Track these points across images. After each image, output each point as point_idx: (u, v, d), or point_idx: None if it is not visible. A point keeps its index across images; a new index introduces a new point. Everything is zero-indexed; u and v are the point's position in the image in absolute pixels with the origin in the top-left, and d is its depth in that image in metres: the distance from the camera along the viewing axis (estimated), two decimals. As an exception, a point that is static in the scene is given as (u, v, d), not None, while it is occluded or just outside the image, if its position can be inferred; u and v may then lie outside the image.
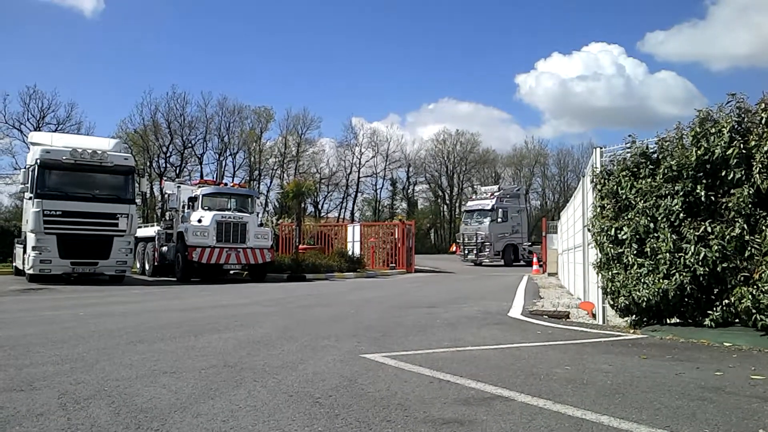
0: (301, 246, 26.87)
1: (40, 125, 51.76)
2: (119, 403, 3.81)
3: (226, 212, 20.45)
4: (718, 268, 6.53)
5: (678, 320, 7.43)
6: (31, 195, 17.10)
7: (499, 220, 35.01)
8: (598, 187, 8.26)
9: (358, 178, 72.79)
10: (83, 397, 3.93)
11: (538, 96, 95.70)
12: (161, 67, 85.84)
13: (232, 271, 21.85)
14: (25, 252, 17.66)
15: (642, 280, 7.21)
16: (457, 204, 78.04)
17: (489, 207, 34.92)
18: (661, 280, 6.97)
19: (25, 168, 18.47)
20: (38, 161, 16.89)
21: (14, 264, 21.54)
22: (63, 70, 79.92)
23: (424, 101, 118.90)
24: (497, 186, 41.63)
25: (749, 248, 6.33)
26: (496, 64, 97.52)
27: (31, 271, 17.01)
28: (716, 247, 6.49)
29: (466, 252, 35.32)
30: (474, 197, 38.61)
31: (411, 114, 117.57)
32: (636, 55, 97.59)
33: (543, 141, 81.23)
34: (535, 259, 28.17)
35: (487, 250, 34.14)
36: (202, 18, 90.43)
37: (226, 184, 25.77)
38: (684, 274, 6.78)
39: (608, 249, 7.79)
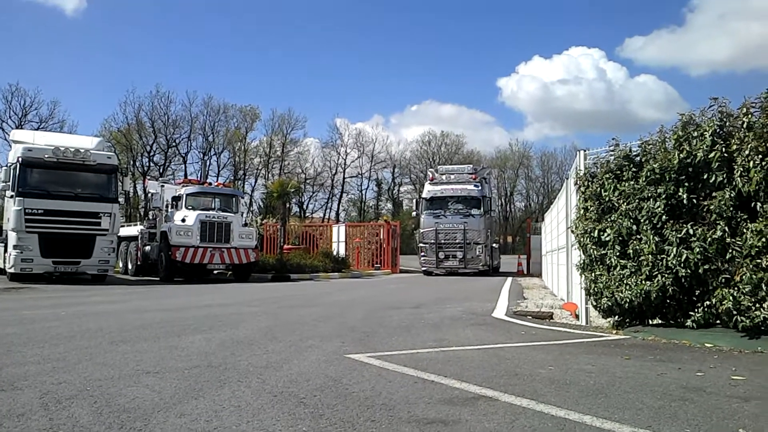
0: (285, 246, 26.84)
1: (22, 123, 51.35)
2: (102, 403, 3.78)
3: (210, 212, 20.39)
4: (700, 270, 6.60)
5: (660, 321, 7.50)
6: (13, 193, 16.92)
7: (493, 212, 27.34)
8: (582, 189, 8.31)
9: (344, 178, 72.89)
10: (65, 397, 3.90)
11: (520, 99, 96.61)
12: (145, 65, 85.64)
13: (216, 271, 21.74)
14: (6, 251, 17.47)
15: (625, 282, 7.27)
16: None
17: (476, 193, 25.32)
18: (643, 282, 7.03)
19: (6, 166, 18.29)
20: (20, 159, 16.72)
21: (-5, 263, 21.29)
22: (46, 68, 79.58)
23: (408, 103, 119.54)
24: (470, 165, 30.65)
25: (730, 250, 6.40)
26: (477, 67, 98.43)
27: (12, 270, 16.83)
28: (698, 250, 6.56)
29: (442, 257, 25.19)
30: (437, 178, 26.75)
31: (395, 115, 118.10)
32: (616, 60, 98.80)
33: (527, 143, 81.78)
34: (519, 260, 28.29)
35: (480, 252, 24.82)
36: (186, 17, 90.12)
37: (210, 184, 25.69)
38: (666, 275, 6.85)
39: (591, 250, 7.84)
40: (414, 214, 28.67)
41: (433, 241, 25.21)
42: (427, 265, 25.73)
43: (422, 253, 25.99)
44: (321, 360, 5.39)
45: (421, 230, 26.19)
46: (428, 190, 26.44)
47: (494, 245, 28.39)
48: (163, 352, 5.70)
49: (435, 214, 25.52)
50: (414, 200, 31.21)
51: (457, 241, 24.97)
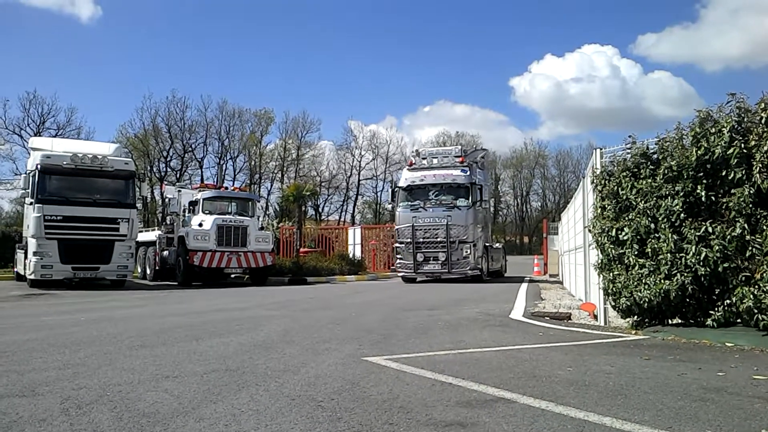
0: (302, 249, 26.91)
1: (40, 130, 51.99)
2: (121, 407, 3.81)
3: (227, 216, 20.49)
4: (720, 268, 6.52)
5: (680, 321, 7.43)
6: (32, 200, 17.13)
7: (485, 204, 21.88)
8: (599, 187, 8.26)
9: (359, 180, 73.03)
10: (86, 402, 3.93)
11: (533, 98, 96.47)
12: (160, 71, 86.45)
13: (233, 275, 21.85)
14: (26, 257, 17.69)
15: (643, 281, 7.21)
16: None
17: (463, 180, 20.60)
18: (662, 281, 6.97)
19: (25, 173, 18.51)
20: (39, 166, 16.92)
21: (15, 269, 21.54)
22: (62, 75, 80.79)
23: (420, 104, 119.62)
24: (458, 146, 25.85)
25: (750, 248, 6.32)
26: (489, 66, 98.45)
27: (32, 277, 17.03)
28: (717, 247, 6.49)
29: (421, 259, 20.51)
30: (418, 163, 22.00)
31: (407, 117, 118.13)
32: (629, 58, 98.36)
33: (542, 143, 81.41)
34: (536, 260, 28.06)
35: (467, 253, 20.13)
36: (200, 22, 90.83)
37: (226, 188, 25.88)
38: (685, 274, 6.78)
39: (609, 250, 7.78)
40: (390, 207, 24.66)
41: (409, 239, 20.64)
42: (404, 269, 21.13)
43: (398, 256, 21.49)
44: (338, 363, 5.39)
45: (396, 227, 21.80)
46: (405, 177, 21.85)
47: (495, 244, 24.96)
48: (181, 357, 5.73)
49: (413, 206, 20.96)
50: (390, 190, 24.49)
51: (438, 239, 20.33)
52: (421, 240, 20.45)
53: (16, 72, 76.25)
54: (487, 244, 22.00)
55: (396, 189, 22.17)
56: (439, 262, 20.31)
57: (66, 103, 77.40)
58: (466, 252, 20.12)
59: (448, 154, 21.67)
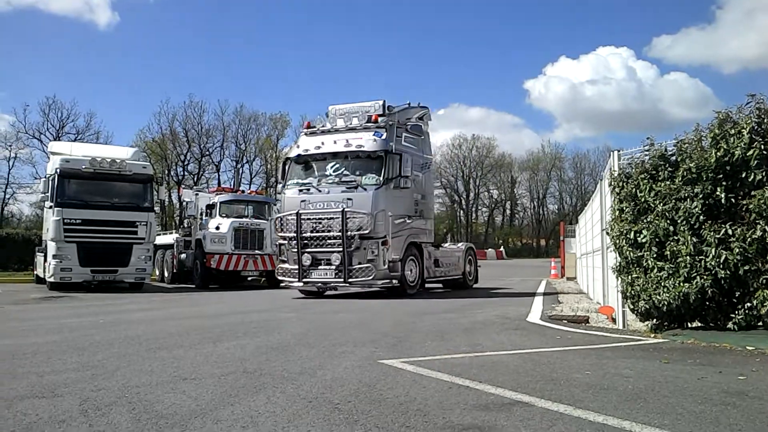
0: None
1: (59, 135, 52.53)
2: (140, 409, 3.83)
3: (244, 219, 20.67)
4: (740, 271, 6.44)
5: (699, 324, 7.34)
6: (52, 204, 17.35)
7: (407, 183, 14.46)
8: (617, 190, 8.18)
9: (374, 183, 72.90)
10: (104, 404, 3.96)
11: (549, 100, 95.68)
12: (177, 76, 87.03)
13: (249, 278, 21.95)
14: (45, 260, 17.91)
15: (662, 284, 7.12)
16: (473, 209, 77.83)
17: (372, 147, 14.04)
18: (681, 284, 6.88)
19: (45, 177, 18.77)
20: (58, 170, 17.14)
21: (35, 272, 21.82)
22: (81, 80, 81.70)
23: (434, 106, 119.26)
24: (378, 101, 15.12)
25: (771, 251, 6.24)
26: (503, 69, 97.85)
27: (51, 279, 17.22)
28: (737, 250, 6.41)
29: (308, 263, 14.10)
30: (320, 126, 15.40)
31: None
32: (645, 60, 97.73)
33: (558, 145, 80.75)
34: (553, 263, 27.80)
35: (374, 255, 13.66)
36: (216, 27, 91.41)
37: (243, 191, 26.02)
38: (705, 277, 6.70)
39: (627, 252, 7.71)
40: (279, 187, 17.43)
41: (293, 234, 14.32)
42: (286, 276, 14.90)
43: (281, 257, 15.11)
44: (355, 365, 5.39)
45: (278, 215, 15.74)
46: (299, 144, 15.41)
47: (456, 244, 19.53)
48: (199, 359, 5.76)
49: (304, 186, 14.73)
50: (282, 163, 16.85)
51: (332, 233, 13.94)
52: (309, 235, 14.17)
53: (35, 77, 77.41)
54: (419, 242, 15.45)
55: (288, 161, 15.66)
56: (333, 267, 14.00)
57: (85, 108, 78.16)
58: (373, 254, 13.73)
59: (360, 112, 14.98)
